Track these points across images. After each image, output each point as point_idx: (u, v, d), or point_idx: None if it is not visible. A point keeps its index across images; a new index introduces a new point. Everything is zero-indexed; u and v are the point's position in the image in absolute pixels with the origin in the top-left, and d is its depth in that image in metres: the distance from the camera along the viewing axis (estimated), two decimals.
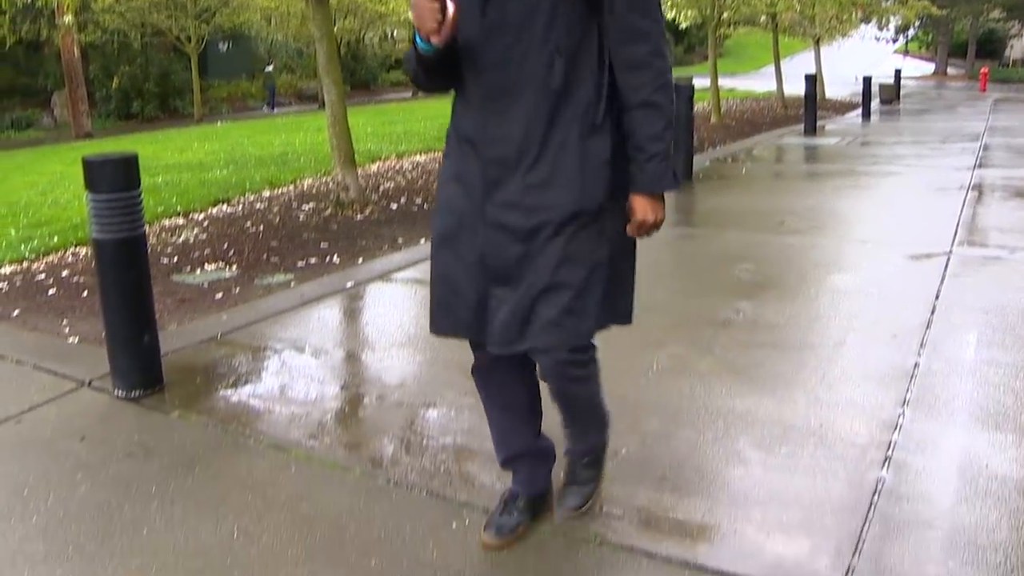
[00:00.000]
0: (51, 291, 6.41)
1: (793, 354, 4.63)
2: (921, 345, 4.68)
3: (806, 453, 3.53)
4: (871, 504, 3.17)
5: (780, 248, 7.04)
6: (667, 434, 3.71)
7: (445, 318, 2.66)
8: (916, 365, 4.41)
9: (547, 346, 2.55)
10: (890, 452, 3.54)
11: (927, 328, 4.94)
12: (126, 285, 4.08)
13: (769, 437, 3.65)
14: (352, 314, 6.00)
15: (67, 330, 5.49)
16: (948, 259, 6.41)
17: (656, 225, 2.58)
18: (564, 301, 2.50)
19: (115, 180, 3.94)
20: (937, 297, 5.52)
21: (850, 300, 5.60)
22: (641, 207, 2.55)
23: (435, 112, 22.53)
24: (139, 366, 4.18)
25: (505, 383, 2.83)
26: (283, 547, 3.01)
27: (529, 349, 2.57)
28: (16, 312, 5.92)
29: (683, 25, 21.05)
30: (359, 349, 5.23)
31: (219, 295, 6.19)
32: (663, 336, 4.86)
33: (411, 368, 4.70)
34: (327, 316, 5.81)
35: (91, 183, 3.97)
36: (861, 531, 3.02)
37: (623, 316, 2.77)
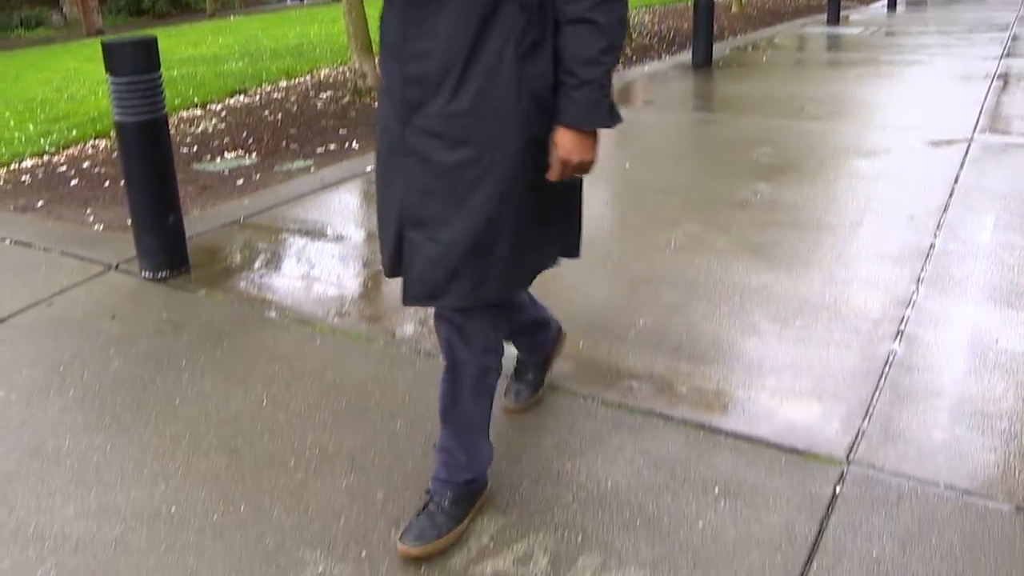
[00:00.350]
0: (73, 182, 6.48)
1: (810, 234, 4.66)
2: (938, 227, 4.70)
3: (820, 326, 3.60)
4: (882, 374, 3.24)
5: (799, 133, 6.99)
6: (684, 307, 3.78)
7: (381, 252, 2.34)
8: (932, 246, 4.44)
9: (463, 305, 2.24)
10: (903, 326, 3.60)
11: (944, 211, 4.95)
12: (149, 167, 4.13)
13: (784, 311, 3.72)
14: (371, 197, 6.04)
15: (91, 218, 5.57)
16: (969, 145, 6.36)
17: (582, 168, 2.13)
18: (493, 257, 2.16)
19: (135, 62, 3.97)
20: (956, 181, 5.51)
21: (868, 183, 5.60)
22: (565, 143, 2.09)
23: None
24: (165, 247, 4.26)
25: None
26: (310, 413, 3.12)
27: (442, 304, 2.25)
28: (40, 203, 6.00)
29: None
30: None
31: (240, 181, 6.25)
32: (680, 216, 4.90)
33: None
34: (347, 199, 5.87)
35: (112, 66, 3.99)
36: (872, 398, 3.10)
37: (566, 252, 2.48)
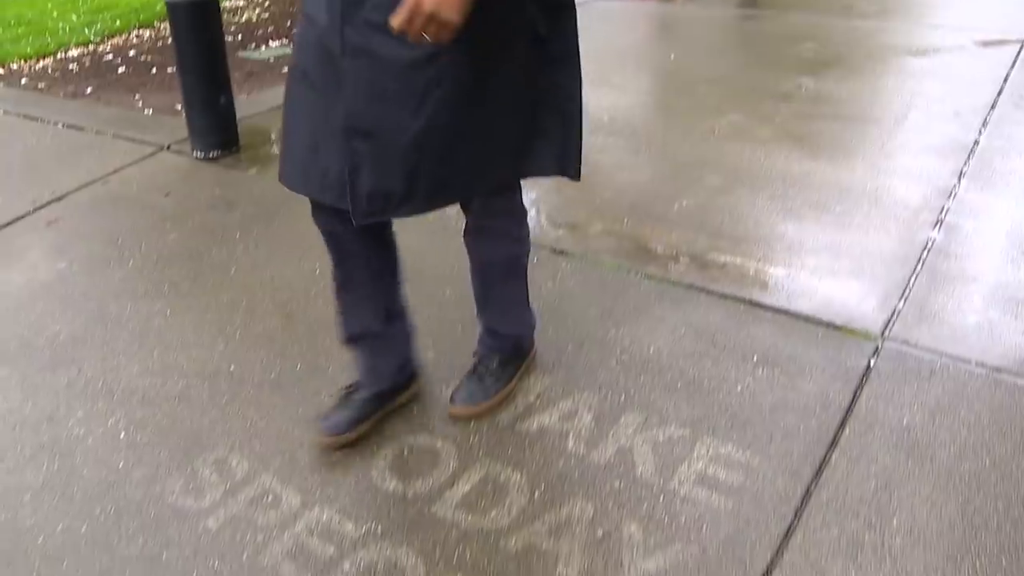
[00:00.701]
0: (120, 69, 6.56)
1: (854, 126, 4.67)
2: (983, 124, 4.68)
3: (861, 212, 3.65)
4: (920, 259, 3.30)
5: (846, 30, 6.90)
6: (726, 191, 3.84)
7: (293, 170, 2.07)
8: (976, 142, 4.43)
9: (423, 213, 2.09)
10: (943, 216, 3.64)
11: (991, 109, 4.92)
12: (201, 48, 4.20)
13: (826, 197, 3.77)
14: None
15: (140, 103, 5.66)
16: (1021, 47, 6.26)
17: (435, 23, 1.67)
18: (456, 163, 1.97)
19: None
20: (1005, 81, 5.45)
21: (915, 80, 5.56)
22: None
23: None
24: (216, 127, 4.35)
25: (353, 252, 2.30)
26: None
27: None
28: (89, 89, 6.09)
29: None
30: None
31: (285, 68, 6.28)
32: (724, 105, 4.92)
33: None
34: None
35: None
36: (909, 281, 3.16)
37: (562, 169, 2.20)
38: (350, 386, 2.51)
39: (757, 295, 3.05)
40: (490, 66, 1.91)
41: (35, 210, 4.03)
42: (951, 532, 2.18)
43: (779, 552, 2.13)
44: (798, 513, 2.23)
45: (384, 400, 2.52)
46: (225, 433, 2.59)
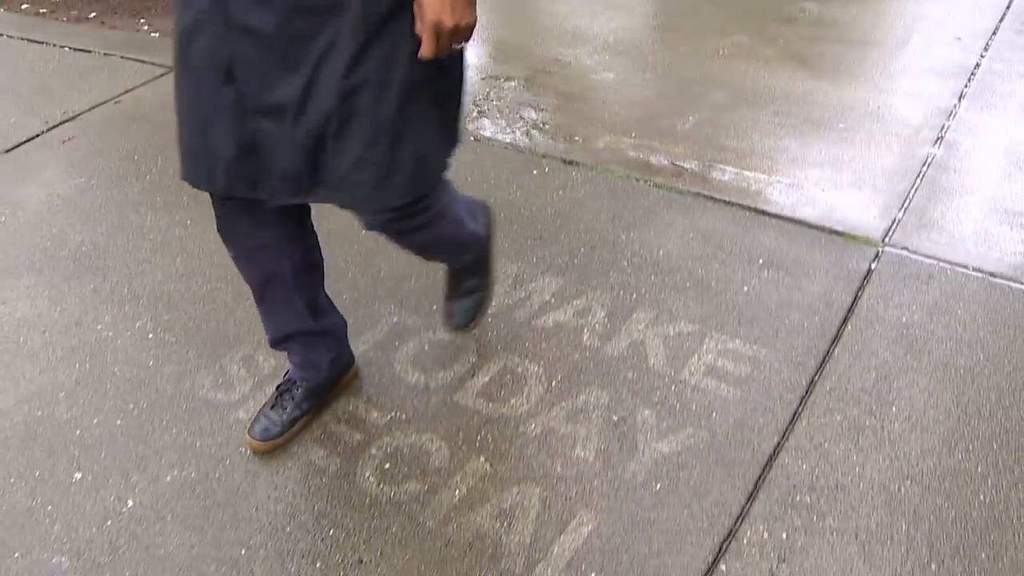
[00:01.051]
0: None
1: (856, 48, 4.72)
2: (985, 48, 4.73)
3: (863, 128, 3.73)
4: (920, 173, 3.39)
5: None
6: (731, 108, 3.92)
7: (197, 167, 1.84)
8: (977, 65, 4.49)
9: (351, 207, 1.89)
10: (943, 133, 3.72)
11: (993, 34, 4.96)
12: None
13: (828, 115, 3.85)
14: None
15: (146, 27, 5.68)
16: None
17: (459, 34, 1.61)
18: (360, 151, 1.75)
19: None
20: (1008, 7, 5.48)
21: (917, 4, 5.59)
22: (432, 3, 1.57)
23: None
24: None
25: (268, 246, 2.08)
26: None
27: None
28: (93, 14, 6.10)
29: None
30: None
31: None
32: (728, 27, 4.96)
33: (483, 47, 4.87)
34: None
35: None
36: (909, 192, 3.26)
37: (446, 146, 1.93)
38: (283, 383, 2.37)
39: (762, 203, 3.15)
40: (399, 34, 1.68)
41: (48, 129, 4.08)
42: (946, 419, 2.30)
43: (785, 436, 2.25)
44: (803, 401, 2.35)
45: (319, 393, 2.39)
46: (251, 332, 2.69)
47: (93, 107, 4.28)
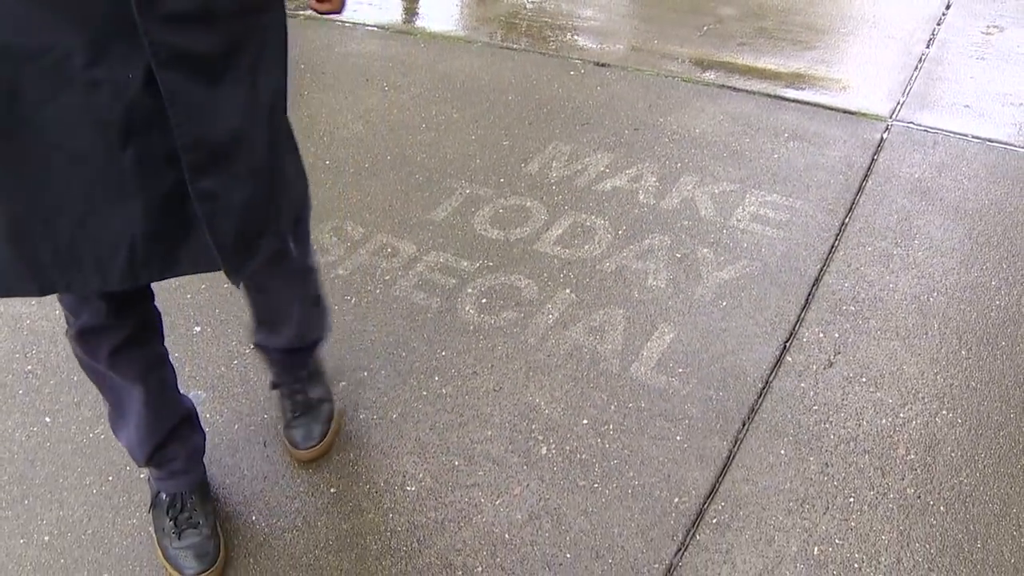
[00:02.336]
0: None
1: None
2: None
3: (862, 32, 4.11)
4: (916, 66, 3.77)
5: None
6: (740, 18, 4.27)
7: (69, 269, 1.40)
8: None
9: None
10: (934, 35, 4.10)
11: None
12: None
13: (829, 21, 4.22)
14: None
15: None
16: None
17: None
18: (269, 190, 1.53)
19: None
20: None
21: None
22: None
23: None
24: None
25: (144, 339, 1.75)
26: (429, 94, 3.65)
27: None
28: None
29: None
30: None
31: None
32: None
33: None
34: None
35: None
36: (909, 79, 3.64)
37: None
38: (171, 510, 1.95)
39: (781, 91, 3.52)
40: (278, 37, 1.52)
41: None
42: (961, 247, 2.68)
43: (826, 263, 2.63)
44: (838, 236, 2.72)
45: (208, 496, 2.01)
46: (334, 210, 3.01)
47: None
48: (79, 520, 2.03)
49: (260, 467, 2.12)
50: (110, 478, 2.12)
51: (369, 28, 4.32)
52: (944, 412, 2.15)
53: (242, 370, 2.39)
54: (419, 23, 4.38)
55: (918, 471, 2.02)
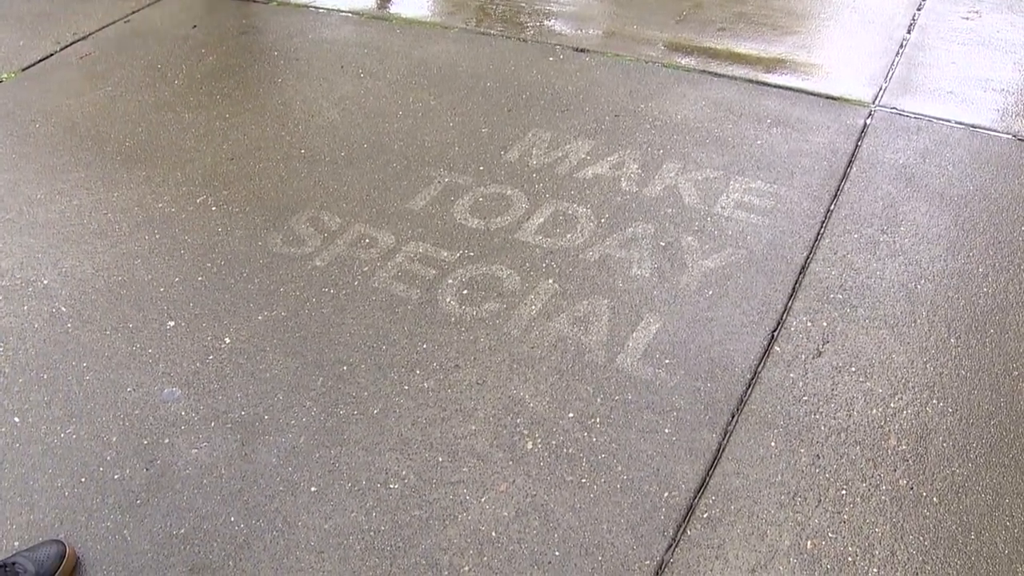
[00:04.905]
0: None
1: None
2: None
3: (842, 18, 4.07)
4: (898, 52, 3.73)
5: None
6: (718, 4, 4.22)
7: None
8: None
9: None
10: (914, 20, 4.06)
11: None
12: None
13: (810, 7, 4.18)
14: None
15: None
16: None
17: None
18: None
19: None
20: None
21: None
22: None
23: None
24: None
25: None
26: (406, 80, 3.58)
27: None
28: None
29: None
30: None
31: None
32: None
33: None
34: None
35: None
36: (891, 65, 3.60)
37: None
38: None
39: (763, 76, 3.47)
40: None
41: (62, 48, 4.23)
42: (948, 234, 2.65)
43: (812, 251, 2.58)
44: (823, 224, 2.68)
45: None
46: (311, 199, 2.94)
47: (103, 27, 4.44)
48: (50, 524, 1.96)
49: (238, 466, 2.05)
50: (83, 479, 2.05)
51: (343, 14, 4.25)
52: (934, 401, 2.11)
53: (218, 365, 2.33)
54: (394, 9, 4.30)
55: (910, 462, 1.98)
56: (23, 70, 4.04)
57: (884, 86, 3.39)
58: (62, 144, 3.37)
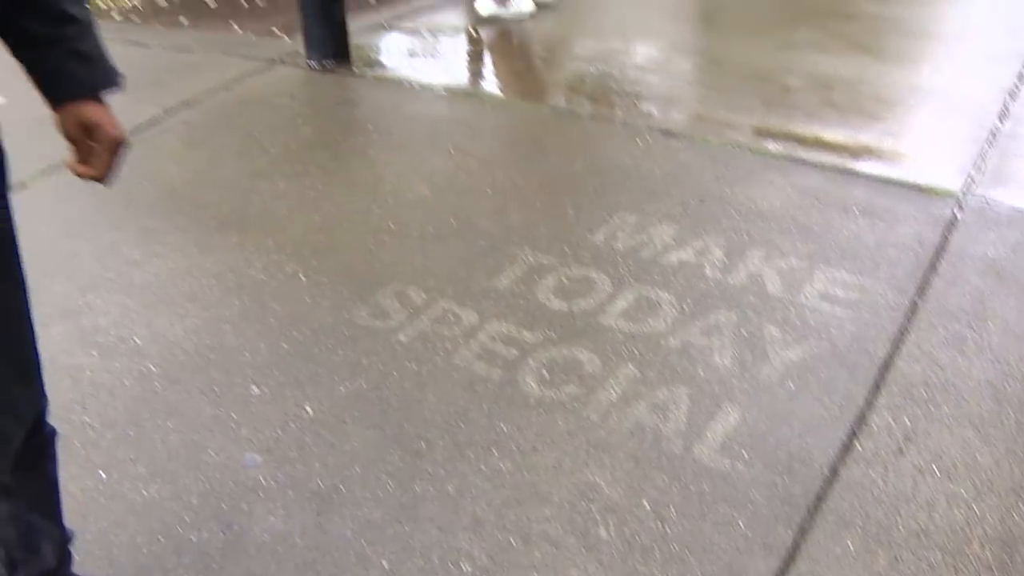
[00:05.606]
0: (212, 5, 6.94)
1: (917, 40, 5.05)
2: None
3: (932, 105, 4.06)
4: (988, 140, 3.71)
5: None
6: (807, 89, 4.25)
7: None
8: None
9: None
10: (1006, 108, 4.03)
11: None
12: None
13: (898, 93, 4.18)
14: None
15: (238, 29, 6.05)
16: None
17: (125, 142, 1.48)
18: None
19: None
20: None
21: (968, 1, 5.92)
22: (103, 114, 1.45)
23: None
24: (332, 37, 4.77)
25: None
26: (495, 157, 3.67)
27: None
28: (185, 21, 6.48)
29: None
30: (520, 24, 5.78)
31: None
32: (793, 23, 5.31)
33: (578, 28, 5.22)
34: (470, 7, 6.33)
35: None
36: (981, 154, 3.58)
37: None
38: None
39: (850, 164, 3.47)
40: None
41: (167, 113, 4.42)
42: None
43: (896, 346, 2.56)
44: (908, 318, 2.65)
45: None
46: (398, 273, 3.01)
47: (206, 94, 4.62)
48: None
49: (313, 536, 2.09)
50: (161, 539, 2.10)
51: (436, 90, 4.36)
52: (1021, 506, 2.07)
53: (298, 434, 2.38)
54: (485, 86, 4.41)
55: (994, 570, 1.93)
56: (131, 133, 4.22)
57: (974, 176, 3.37)
58: (161, 207, 3.50)
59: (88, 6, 1.41)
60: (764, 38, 4.96)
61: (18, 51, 1.37)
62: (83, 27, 1.39)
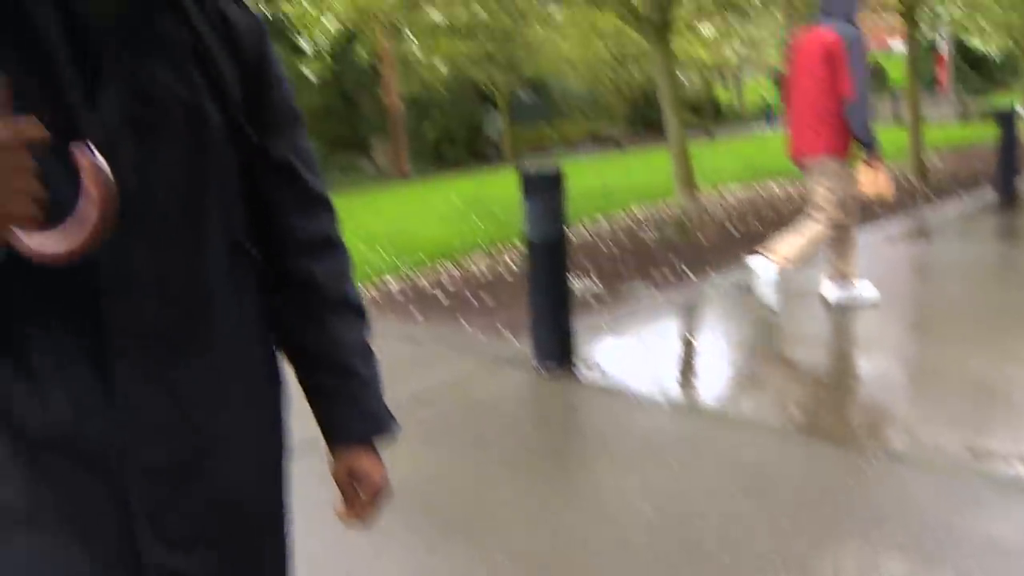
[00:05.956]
0: (441, 299, 7.54)
1: None
2: None
3: None
4: None
5: None
6: None
7: None
8: None
9: None
10: None
11: None
12: (553, 275, 4.97)
13: None
14: (719, 313, 6.70)
15: (467, 325, 6.53)
16: None
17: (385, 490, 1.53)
18: None
19: (548, 189, 4.86)
20: None
21: None
22: (371, 464, 1.51)
23: (729, 148, 23.00)
24: (558, 341, 5.07)
25: None
26: (717, 479, 3.70)
27: None
28: (419, 316, 7.06)
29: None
30: (743, 335, 5.93)
31: (591, 297, 7.11)
32: (1016, 330, 5.20)
33: (808, 352, 5.29)
34: (699, 314, 6.54)
35: (528, 191, 4.91)
36: None
37: None
38: None
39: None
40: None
41: (398, 407, 4.69)
42: None
43: None
44: None
45: None
46: None
47: (438, 392, 4.94)
48: None
49: None
50: None
51: (657, 402, 4.50)
52: None
53: None
54: (706, 399, 4.50)
55: None
56: None
57: None
58: (392, 504, 3.68)
59: (374, 358, 1.52)
60: (983, 347, 4.88)
61: (305, 393, 1.51)
62: (365, 381, 1.49)
